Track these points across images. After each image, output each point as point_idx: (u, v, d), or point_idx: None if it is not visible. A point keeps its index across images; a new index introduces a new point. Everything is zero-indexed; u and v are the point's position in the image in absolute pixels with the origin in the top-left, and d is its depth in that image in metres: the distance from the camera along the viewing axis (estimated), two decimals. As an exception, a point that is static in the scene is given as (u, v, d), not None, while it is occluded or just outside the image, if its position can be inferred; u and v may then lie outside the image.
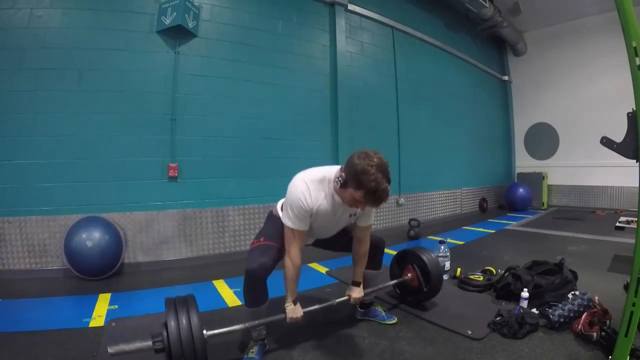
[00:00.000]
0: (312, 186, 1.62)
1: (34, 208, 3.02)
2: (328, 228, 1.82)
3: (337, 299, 1.94)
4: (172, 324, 1.36)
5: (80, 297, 2.62)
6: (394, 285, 2.37)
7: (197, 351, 1.35)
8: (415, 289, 2.29)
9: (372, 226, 1.93)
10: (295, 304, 1.71)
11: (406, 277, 2.30)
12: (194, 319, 1.40)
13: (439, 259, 2.79)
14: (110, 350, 1.32)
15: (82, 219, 3.04)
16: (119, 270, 3.16)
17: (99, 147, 3.22)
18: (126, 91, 3.32)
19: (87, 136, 3.18)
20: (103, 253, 2.94)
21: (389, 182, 1.46)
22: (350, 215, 1.78)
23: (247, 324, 1.65)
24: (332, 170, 1.67)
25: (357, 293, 1.93)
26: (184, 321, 1.38)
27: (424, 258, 2.26)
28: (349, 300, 1.93)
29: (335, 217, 1.73)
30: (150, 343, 1.38)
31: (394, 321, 2.12)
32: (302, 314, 1.72)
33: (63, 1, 3.16)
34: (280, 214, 1.81)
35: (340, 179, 1.53)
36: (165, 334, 1.37)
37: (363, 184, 1.42)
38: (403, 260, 2.42)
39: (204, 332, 1.43)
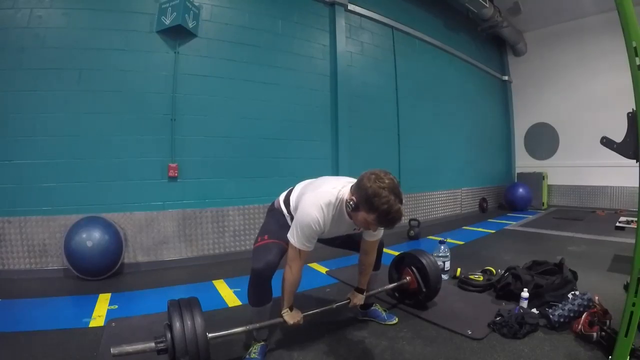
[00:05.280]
0: (326, 210, 1.58)
1: (34, 208, 3.02)
2: (329, 236, 1.82)
3: (337, 301, 1.95)
4: (176, 325, 1.37)
5: (80, 297, 2.62)
6: (392, 289, 2.37)
7: (201, 353, 1.35)
8: (414, 291, 2.29)
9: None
10: (291, 310, 1.72)
11: (404, 280, 2.30)
12: (199, 321, 1.40)
13: (438, 259, 2.79)
14: (113, 351, 1.32)
15: (82, 219, 3.04)
16: (119, 270, 3.16)
17: (99, 147, 3.22)
18: (126, 91, 3.32)
19: (87, 136, 3.18)
20: (103, 253, 2.94)
21: (401, 202, 1.42)
22: (354, 229, 1.78)
23: (248, 327, 1.66)
24: (343, 190, 1.62)
25: (358, 300, 1.95)
26: (189, 323, 1.38)
27: (422, 260, 2.26)
28: (348, 304, 1.94)
29: (340, 229, 1.74)
30: (152, 344, 1.38)
31: (394, 321, 2.12)
32: (302, 317, 1.72)
33: (63, 1, 3.16)
34: (283, 207, 1.82)
35: (352, 202, 1.48)
36: (169, 335, 1.38)
37: (375, 207, 1.39)
38: (401, 263, 2.42)
39: (207, 334, 1.43)
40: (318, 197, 1.59)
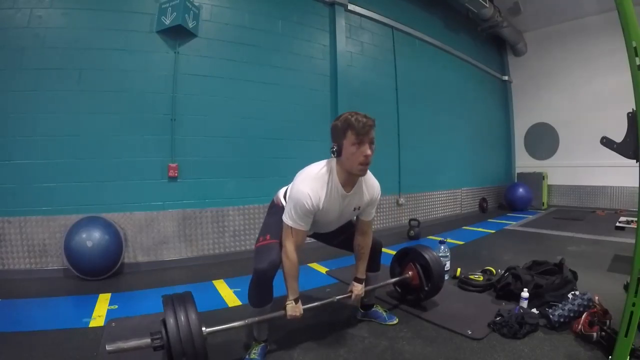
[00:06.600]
0: (316, 184, 1.62)
1: (34, 208, 3.02)
2: (331, 223, 1.81)
3: (338, 296, 1.93)
4: (170, 321, 1.35)
5: (80, 297, 2.62)
6: (394, 284, 2.35)
7: (197, 348, 1.33)
8: (416, 287, 2.27)
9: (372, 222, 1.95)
10: (296, 302, 1.70)
11: (407, 275, 2.29)
12: (192, 316, 1.38)
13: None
14: (108, 348, 1.30)
15: (82, 219, 3.04)
16: (119, 270, 3.16)
17: (99, 147, 3.22)
18: (126, 91, 3.32)
19: (87, 136, 3.18)
20: (103, 253, 2.94)
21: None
22: (354, 209, 1.78)
23: (247, 320, 1.64)
24: (330, 163, 1.69)
25: (358, 290, 1.93)
26: (182, 318, 1.36)
27: (426, 256, 2.24)
28: (350, 297, 1.92)
29: (340, 209, 1.72)
30: (149, 340, 1.36)
31: (395, 322, 2.12)
32: (301, 312, 1.71)
33: (63, 1, 3.15)
34: (283, 202, 1.80)
35: (333, 148, 1.62)
36: (163, 331, 1.36)
37: (347, 123, 1.55)
38: (404, 258, 2.40)
39: (203, 329, 1.42)
40: (306, 174, 1.66)
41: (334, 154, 1.62)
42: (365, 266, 1.96)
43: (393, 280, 2.31)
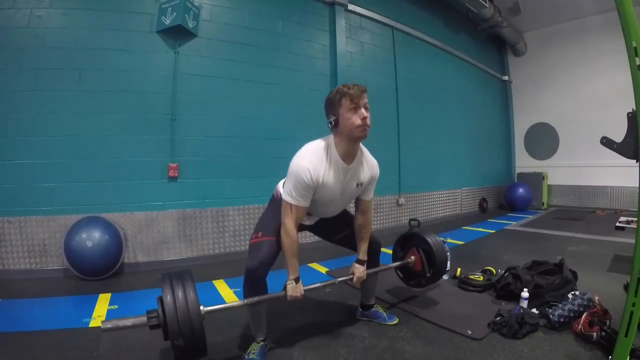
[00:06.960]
0: (315, 158, 1.60)
1: (34, 208, 3.02)
2: (333, 202, 1.76)
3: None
4: (167, 298, 1.31)
5: (80, 297, 2.62)
6: (396, 268, 2.32)
7: (194, 328, 1.29)
8: (418, 272, 2.25)
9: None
10: (297, 282, 1.68)
11: (409, 260, 2.26)
12: (191, 294, 1.34)
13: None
14: (103, 326, 1.27)
15: (82, 219, 3.04)
16: (119, 270, 3.16)
17: (99, 147, 3.22)
18: (126, 91, 3.32)
19: (87, 136, 3.18)
20: (103, 253, 2.94)
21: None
22: (357, 185, 1.75)
23: (246, 301, 1.61)
24: (327, 137, 1.69)
25: (360, 272, 1.91)
26: (180, 296, 1.32)
27: (429, 241, 2.21)
28: (352, 279, 1.91)
29: (341, 185, 1.69)
30: (145, 319, 1.33)
31: (395, 322, 2.12)
32: (302, 292, 1.69)
33: (63, 1, 3.15)
34: (282, 191, 1.76)
35: (331, 119, 1.63)
36: (160, 309, 1.32)
37: (342, 93, 1.57)
38: (407, 242, 2.36)
39: (201, 307, 1.38)
40: (304, 151, 1.65)
41: (331, 124, 1.62)
42: (367, 247, 1.94)
43: (395, 264, 2.28)
